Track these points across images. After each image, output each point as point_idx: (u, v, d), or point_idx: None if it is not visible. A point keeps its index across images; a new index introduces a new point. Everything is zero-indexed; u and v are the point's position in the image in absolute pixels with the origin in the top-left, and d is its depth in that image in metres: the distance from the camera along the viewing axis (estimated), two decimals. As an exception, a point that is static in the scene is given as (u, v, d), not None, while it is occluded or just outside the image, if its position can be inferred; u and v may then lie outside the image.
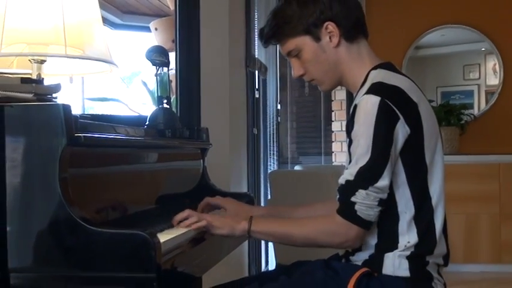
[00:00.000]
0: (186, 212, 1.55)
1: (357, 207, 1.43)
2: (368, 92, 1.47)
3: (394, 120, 1.44)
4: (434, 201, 1.53)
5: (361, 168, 1.43)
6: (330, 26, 1.57)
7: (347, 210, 1.45)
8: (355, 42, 1.61)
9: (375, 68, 1.58)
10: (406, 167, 1.48)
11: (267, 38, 1.65)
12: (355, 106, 1.48)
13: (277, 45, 1.68)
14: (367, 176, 1.43)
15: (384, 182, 1.43)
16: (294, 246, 1.58)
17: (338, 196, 1.48)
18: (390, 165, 1.44)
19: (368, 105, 1.44)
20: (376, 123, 1.42)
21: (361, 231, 1.46)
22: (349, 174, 1.45)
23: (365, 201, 1.43)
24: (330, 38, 1.58)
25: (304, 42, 1.59)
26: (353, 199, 1.43)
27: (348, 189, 1.44)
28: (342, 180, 1.47)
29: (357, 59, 1.61)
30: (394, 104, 1.44)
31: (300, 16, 1.58)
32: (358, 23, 1.61)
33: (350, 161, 1.47)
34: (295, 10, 1.58)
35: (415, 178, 1.50)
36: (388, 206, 1.47)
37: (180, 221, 1.53)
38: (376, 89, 1.47)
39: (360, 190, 1.43)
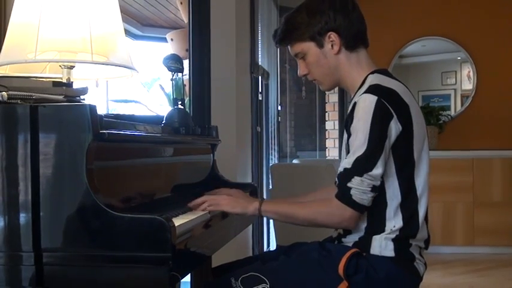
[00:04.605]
0: (203, 198, 1.57)
1: (352, 192, 1.42)
2: (367, 92, 1.46)
3: (388, 117, 1.43)
4: (419, 192, 1.52)
5: (358, 157, 1.42)
6: (333, 36, 1.56)
7: (343, 194, 1.44)
8: (355, 51, 1.59)
9: (372, 73, 1.57)
10: (396, 160, 1.47)
11: (279, 40, 1.65)
12: (355, 103, 1.47)
13: (283, 49, 1.67)
14: (362, 165, 1.42)
15: (377, 170, 1.42)
16: (298, 225, 1.57)
17: (337, 182, 1.47)
18: (384, 156, 1.43)
19: (366, 103, 1.43)
20: (373, 119, 1.41)
21: (355, 214, 1.45)
22: (347, 163, 1.44)
23: (359, 187, 1.42)
24: (331, 45, 1.57)
25: (309, 47, 1.59)
26: (349, 185, 1.42)
27: (345, 176, 1.43)
28: (341, 168, 1.46)
29: (355, 65, 1.59)
30: (389, 103, 1.43)
31: (308, 24, 1.57)
32: (359, 35, 1.59)
33: (348, 152, 1.46)
34: (304, 18, 1.57)
35: (403, 170, 1.49)
36: (378, 193, 1.46)
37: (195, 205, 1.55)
38: (374, 89, 1.46)
39: (355, 177, 1.42)
